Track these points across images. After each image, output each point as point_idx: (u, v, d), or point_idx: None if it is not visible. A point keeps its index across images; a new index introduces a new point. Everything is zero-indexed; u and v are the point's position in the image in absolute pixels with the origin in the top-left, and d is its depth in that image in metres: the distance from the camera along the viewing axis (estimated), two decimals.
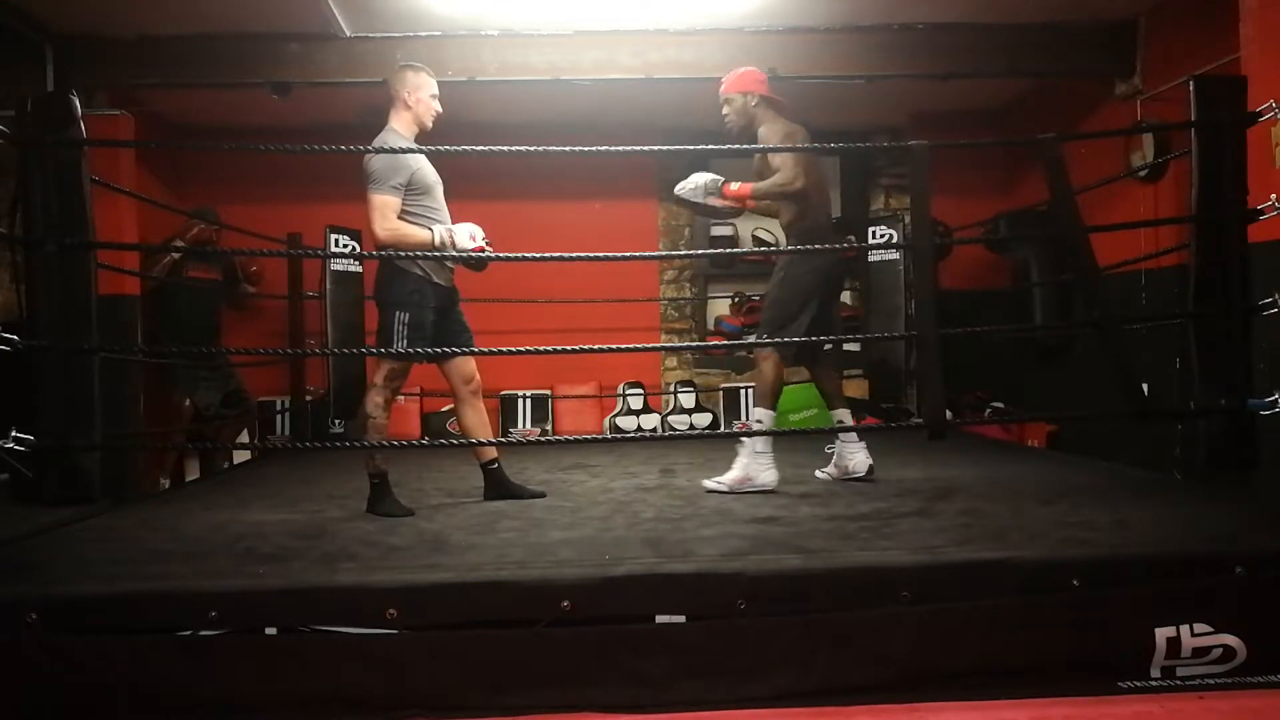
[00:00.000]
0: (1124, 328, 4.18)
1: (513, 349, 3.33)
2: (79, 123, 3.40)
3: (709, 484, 3.83)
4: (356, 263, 5.38)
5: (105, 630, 2.42)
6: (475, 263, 3.47)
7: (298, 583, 2.52)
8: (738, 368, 7.07)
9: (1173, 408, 4.36)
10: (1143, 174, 4.91)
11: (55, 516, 3.42)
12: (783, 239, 4.23)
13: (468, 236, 3.44)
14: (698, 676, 2.45)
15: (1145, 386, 4.01)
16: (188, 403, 5.46)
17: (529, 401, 6.68)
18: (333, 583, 2.52)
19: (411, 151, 3.41)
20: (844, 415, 4.05)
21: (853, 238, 6.08)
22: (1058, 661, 2.50)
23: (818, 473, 4.11)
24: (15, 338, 2.93)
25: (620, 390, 6.80)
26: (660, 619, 2.50)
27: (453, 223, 3.53)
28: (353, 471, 3.76)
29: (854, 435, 4.02)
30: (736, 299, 7.16)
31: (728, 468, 3.80)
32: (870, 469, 3.97)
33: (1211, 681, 2.51)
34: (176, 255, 5.35)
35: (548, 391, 6.74)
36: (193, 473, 5.83)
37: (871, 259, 5.83)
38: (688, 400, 6.86)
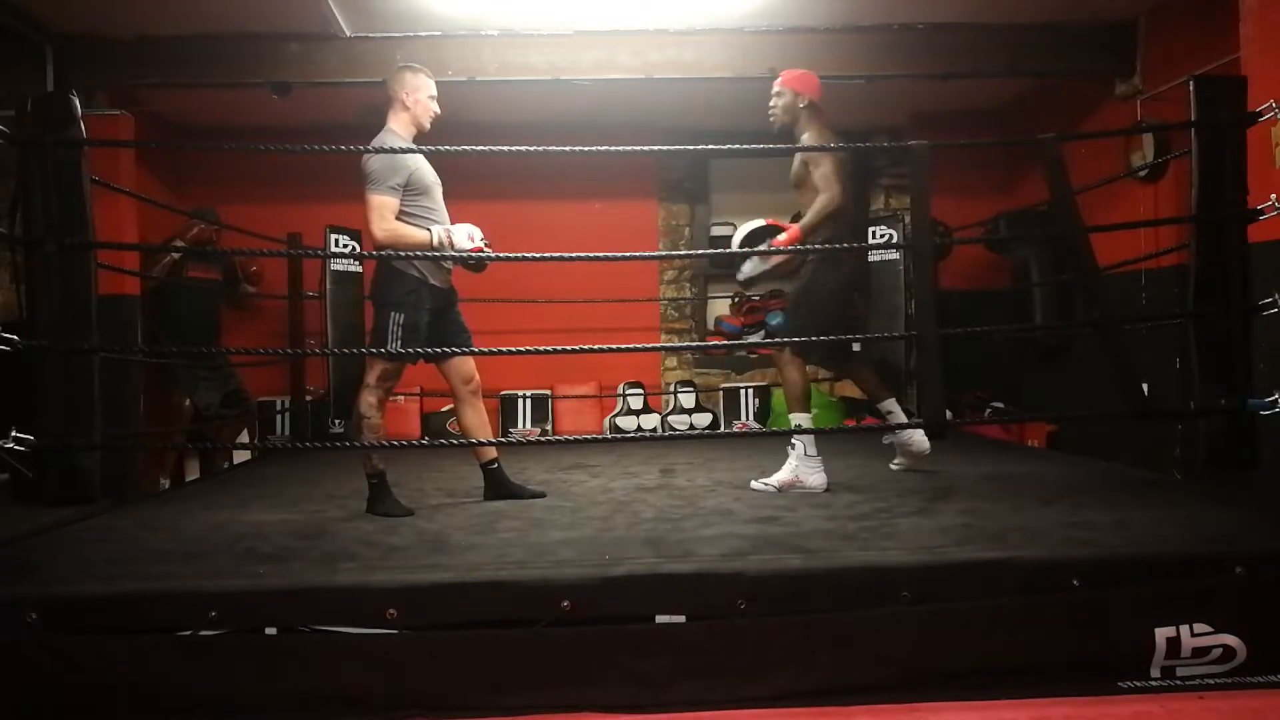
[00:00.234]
0: (1124, 328, 4.18)
1: (513, 349, 3.33)
2: (79, 123, 3.41)
3: (757, 484, 3.82)
4: (356, 263, 5.39)
5: (105, 630, 2.42)
6: (474, 263, 3.47)
7: (298, 583, 2.52)
8: (738, 368, 7.06)
9: (1173, 408, 4.35)
10: (1143, 174, 4.91)
11: (55, 516, 3.42)
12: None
13: (466, 237, 3.44)
14: (698, 676, 2.45)
15: (1145, 386, 4.01)
16: (188, 403, 5.46)
17: (529, 401, 6.68)
18: (333, 583, 2.52)
19: (410, 152, 3.41)
20: (891, 406, 4.04)
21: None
22: (1058, 661, 2.51)
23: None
24: (15, 338, 2.94)
25: (620, 390, 6.80)
26: (660, 619, 2.50)
27: (452, 223, 3.52)
28: (353, 471, 3.76)
29: (903, 420, 4.04)
30: (736, 299, 7.15)
31: (728, 468, 3.80)
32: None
33: (1211, 681, 2.52)
34: (176, 255, 5.34)
35: (548, 391, 6.74)
36: (193, 473, 5.83)
37: (871, 259, 5.82)
38: (688, 400, 6.86)
